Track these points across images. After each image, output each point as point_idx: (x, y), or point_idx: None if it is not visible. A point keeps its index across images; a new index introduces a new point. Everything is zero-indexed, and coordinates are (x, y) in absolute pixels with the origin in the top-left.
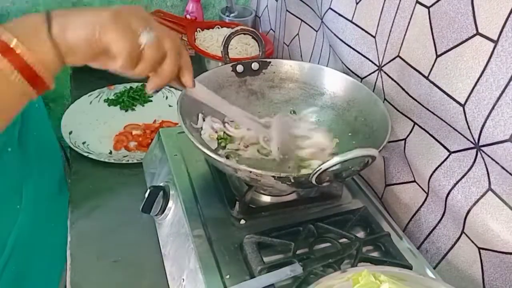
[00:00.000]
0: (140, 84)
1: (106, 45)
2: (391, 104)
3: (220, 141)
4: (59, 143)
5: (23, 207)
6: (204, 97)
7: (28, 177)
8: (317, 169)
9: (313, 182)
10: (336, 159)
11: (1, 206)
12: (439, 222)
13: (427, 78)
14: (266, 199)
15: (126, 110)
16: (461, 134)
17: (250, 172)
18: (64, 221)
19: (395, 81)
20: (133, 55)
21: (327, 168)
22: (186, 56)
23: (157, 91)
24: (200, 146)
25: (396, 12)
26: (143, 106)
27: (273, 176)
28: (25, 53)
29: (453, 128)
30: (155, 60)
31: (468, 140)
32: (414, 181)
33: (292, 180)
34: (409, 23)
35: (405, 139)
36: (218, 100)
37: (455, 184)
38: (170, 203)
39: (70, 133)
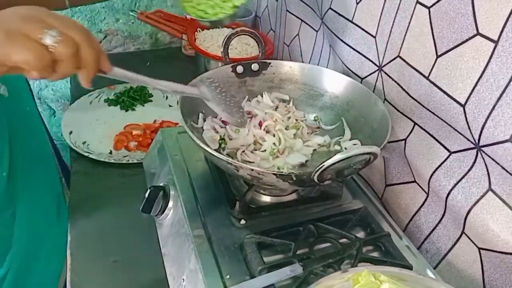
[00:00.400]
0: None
1: (13, 64)
2: (391, 104)
3: (220, 141)
4: (55, 157)
5: (18, 219)
6: (125, 76)
7: (20, 189)
8: (319, 166)
9: (315, 180)
10: (339, 156)
11: None
12: (439, 222)
13: (427, 78)
14: (266, 199)
15: (126, 110)
16: (461, 134)
17: (252, 170)
18: (61, 245)
19: (395, 81)
20: (44, 62)
21: (329, 166)
22: (95, 41)
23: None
24: (202, 145)
25: (397, 12)
26: (143, 106)
27: (275, 174)
28: None
29: (454, 128)
30: (70, 55)
31: (469, 140)
32: (414, 181)
33: (294, 178)
34: (409, 23)
35: (405, 139)
36: (141, 77)
37: (455, 184)
38: (170, 203)
39: (70, 133)
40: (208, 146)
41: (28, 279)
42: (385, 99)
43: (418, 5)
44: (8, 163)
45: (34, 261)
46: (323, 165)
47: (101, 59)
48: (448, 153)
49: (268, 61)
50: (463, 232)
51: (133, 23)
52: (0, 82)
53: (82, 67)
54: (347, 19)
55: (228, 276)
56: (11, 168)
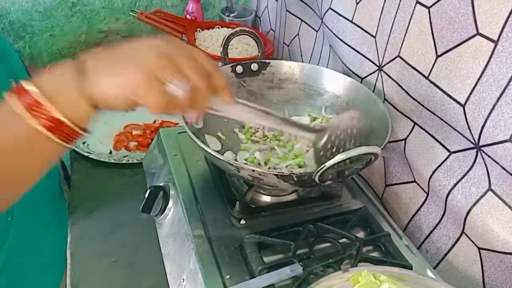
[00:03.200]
0: None
1: (140, 102)
2: (391, 104)
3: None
4: None
5: (15, 219)
6: (246, 116)
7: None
8: (321, 167)
9: (316, 180)
10: (340, 156)
11: None
12: (439, 222)
13: (427, 78)
14: (266, 199)
15: (126, 110)
16: (461, 134)
17: (253, 171)
18: (61, 232)
19: (395, 81)
20: (166, 106)
21: (330, 166)
22: (218, 74)
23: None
24: (202, 145)
25: (396, 12)
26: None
27: (276, 175)
28: (70, 123)
29: (453, 128)
30: (185, 105)
31: (468, 140)
32: (414, 181)
33: (295, 179)
34: (409, 23)
35: (405, 139)
36: (262, 116)
37: (455, 184)
38: (170, 203)
39: None
40: (208, 146)
41: (24, 282)
42: (385, 99)
43: (418, 5)
44: None
45: (31, 265)
46: (324, 166)
47: (221, 93)
48: (448, 153)
49: (268, 61)
50: (463, 232)
51: (133, 23)
52: (13, 78)
53: (193, 108)
54: (347, 19)
55: (228, 276)
56: None
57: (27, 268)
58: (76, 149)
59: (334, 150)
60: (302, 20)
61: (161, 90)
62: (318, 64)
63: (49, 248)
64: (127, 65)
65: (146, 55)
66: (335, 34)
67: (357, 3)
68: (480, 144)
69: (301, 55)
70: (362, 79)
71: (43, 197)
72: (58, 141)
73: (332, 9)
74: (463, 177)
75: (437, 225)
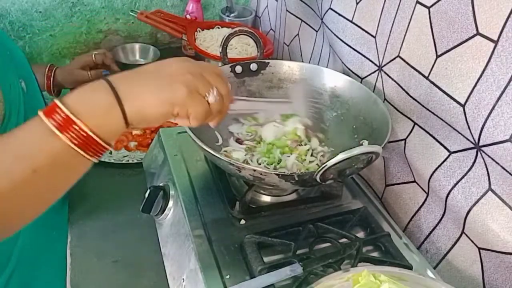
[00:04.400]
0: None
1: (185, 116)
2: (391, 104)
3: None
4: None
5: (20, 240)
6: (240, 108)
7: None
8: (322, 166)
9: (318, 179)
10: (341, 155)
11: None
12: (439, 222)
13: (427, 78)
14: (266, 199)
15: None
16: (461, 134)
17: (254, 170)
18: (67, 229)
19: (395, 81)
20: (206, 115)
21: (332, 165)
22: (227, 81)
23: None
24: (202, 145)
25: (396, 12)
26: None
27: (277, 174)
28: (101, 142)
29: (453, 128)
30: (219, 109)
31: (468, 140)
32: (414, 181)
33: (296, 178)
34: (409, 23)
35: (405, 139)
36: (249, 103)
37: (455, 184)
38: (170, 203)
39: None
40: (208, 146)
41: (36, 282)
42: (385, 99)
43: (418, 5)
44: None
45: (40, 265)
46: (325, 165)
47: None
48: (448, 153)
49: (267, 60)
50: (463, 232)
51: (133, 23)
52: (21, 77)
53: (221, 113)
54: (347, 19)
55: (228, 276)
56: None
57: (37, 269)
58: None
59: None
60: (302, 20)
61: (203, 102)
62: (318, 64)
63: (55, 246)
64: (168, 83)
65: (181, 72)
66: (335, 34)
67: (357, 3)
68: (480, 144)
69: (301, 55)
70: (362, 79)
71: None
72: (87, 156)
73: (332, 9)
74: (463, 177)
75: (437, 225)
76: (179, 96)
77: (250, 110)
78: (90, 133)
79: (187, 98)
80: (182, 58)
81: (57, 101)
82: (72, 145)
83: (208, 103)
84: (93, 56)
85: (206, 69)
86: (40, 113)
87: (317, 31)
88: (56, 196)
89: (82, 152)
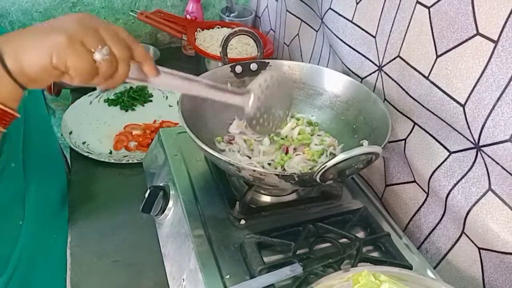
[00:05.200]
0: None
1: (64, 69)
2: (391, 104)
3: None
4: (61, 153)
5: (26, 222)
6: (173, 83)
7: (30, 191)
8: (322, 166)
9: (317, 180)
10: (341, 156)
11: (5, 222)
12: (439, 222)
13: (427, 78)
14: (266, 199)
15: (126, 110)
16: (461, 134)
17: (254, 171)
18: (67, 232)
19: (395, 81)
20: (90, 73)
21: (332, 166)
22: (139, 48)
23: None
24: (202, 145)
25: (397, 12)
26: (143, 106)
27: (277, 175)
28: None
29: (453, 128)
30: (109, 73)
31: (468, 140)
32: (414, 181)
33: (296, 179)
34: (409, 23)
35: (405, 139)
36: (188, 83)
37: (455, 184)
38: (170, 203)
39: (70, 133)
40: (208, 146)
41: (35, 282)
42: (385, 99)
43: (418, 5)
44: (22, 161)
45: (40, 265)
46: (325, 165)
47: (144, 65)
48: (448, 153)
49: (267, 60)
50: (463, 232)
51: (133, 23)
52: None
53: (111, 79)
54: (347, 19)
55: (228, 276)
56: (24, 166)
57: (37, 269)
58: (76, 149)
59: (263, 112)
60: (302, 20)
61: (87, 56)
62: (318, 64)
63: (54, 248)
64: (49, 31)
65: (69, 24)
66: (335, 34)
67: (357, 3)
68: (480, 144)
69: (301, 55)
70: (362, 79)
71: (52, 202)
72: None
73: (332, 9)
74: (463, 177)
75: (437, 225)
76: (57, 43)
77: (176, 89)
78: None
79: (66, 47)
80: (84, 13)
81: None
82: None
83: (95, 61)
84: None
85: (103, 25)
86: None
87: (317, 31)
88: None
89: None
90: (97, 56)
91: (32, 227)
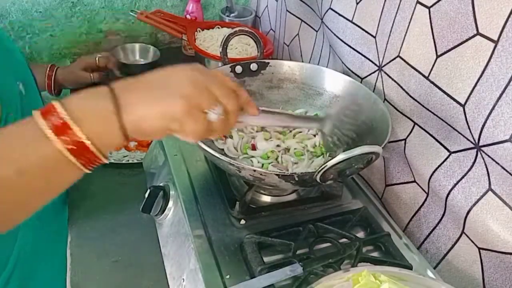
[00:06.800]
0: None
1: (180, 131)
2: (391, 104)
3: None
4: None
5: (25, 221)
6: (266, 121)
7: None
8: (322, 166)
9: (318, 180)
10: (342, 156)
11: None
12: (439, 222)
13: (427, 78)
14: (266, 199)
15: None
16: (461, 134)
17: (254, 171)
18: (67, 232)
19: (395, 81)
20: (205, 132)
21: (332, 166)
22: (244, 93)
23: None
24: (202, 145)
25: (397, 12)
26: None
27: (277, 175)
28: (96, 151)
29: (453, 128)
30: (223, 128)
31: (468, 140)
32: (414, 181)
33: (296, 179)
34: (409, 23)
35: (405, 139)
36: (277, 117)
37: (455, 184)
38: (170, 203)
39: None
40: (208, 146)
41: (35, 282)
42: (385, 99)
43: (418, 5)
44: None
45: (39, 265)
46: (325, 165)
47: (248, 109)
48: (448, 153)
49: (267, 61)
50: (463, 232)
51: (133, 23)
52: (19, 80)
53: (226, 130)
54: (347, 19)
55: (228, 276)
56: None
57: (37, 268)
58: None
59: (338, 138)
60: (302, 20)
61: (201, 118)
62: (318, 64)
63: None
64: (166, 96)
65: (183, 85)
66: (335, 34)
67: (357, 3)
68: (480, 144)
69: (301, 55)
70: (362, 79)
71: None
72: (79, 165)
73: (332, 9)
74: (463, 177)
75: (437, 225)
76: (176, 111)
77: (267, 125)
78: (85, 140)
79: (184, 114)
80: (191, 65)
81: (55, 103)
82: (65, 151)
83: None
84: (97, 59)
85: (214, 80)
86: (36, 113)
87: (317, 31)
88: (42, 201)
89: (73, 160)
90: (212, 117)
91: (32, 227)
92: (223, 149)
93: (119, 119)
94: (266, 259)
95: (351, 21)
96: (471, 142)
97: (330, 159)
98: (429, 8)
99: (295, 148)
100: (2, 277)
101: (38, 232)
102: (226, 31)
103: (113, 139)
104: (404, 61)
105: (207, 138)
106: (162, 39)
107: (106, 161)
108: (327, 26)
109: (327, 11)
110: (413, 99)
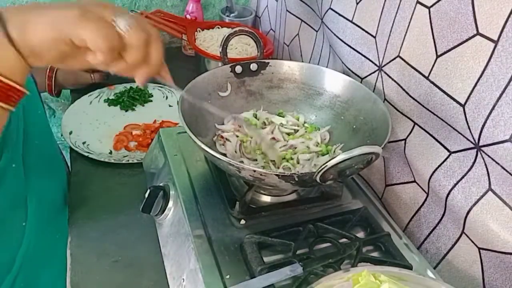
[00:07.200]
0: None
1: (80, 43)
2: (391, 104)
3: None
4: (61, 153)
5: (29, 223)
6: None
7: (31, 192)
8: (322, 166)
9: (317, 180)
10: (342, 156)
11: (9, 224)
12: (439, 222)
13: (427, 78)
14: (266, 199)
15: (126, 110)
16: (461, 134)
17: (254, 171)
18: (67, 232)
19: (395, 81)
20: (113, 43)
21: (332, 166)
22: (161, 42)
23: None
24: (202, 145)
25: (397, 12)
26: (143, 106)
27: (277, 175)
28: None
29: (453, 128)
30: (142, 42)
31: (468, 140)
32: (414, 181)
33: (296, 179)
34: (409, 23)
35: (405, 139)
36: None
37: (455, 184)
38: (170, 203)
39: (70, 133)
40: (208, 146)
41: (39, 284)
42: (385, 99)
43: (418, 5)
44: (21, 163)
45: (44, 267)
46: (325, 166)
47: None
48: (448, 153)
49: (267, 60)
50: (463, 232)
51: None
52: None
53: (147, 63)
54: (347, 19)
55: (228, 276)
56: (24, 167)
57: (40, 270)
58: (76, 149)
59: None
60: (302, 20)
61: (107, 26)
62: (318, 64)
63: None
64: (63, 7)
65: (83, 2)
66: (335, 34)
67: (357, 3)
68: (480, 144)
69: (301, 55)
70: (362, 79)
71: (54, 202)
72: None
73: (332, 9)
74: (463, 177)
75: (437, 225)
76: (69, 16)
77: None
78: None
79: (78, 17)
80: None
81: None
82: None
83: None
84: None
85: (121, 9)
86: None
87: (317, 31)
88: None
89: None
90: (120, 24)
91: (35, 228)
92: (225, 154)
93: (3, 30)
94: (266, 259)
95: (351, 21)
96: (471, 142)
97: (330, 159)
98: (429, 8)
99: (295, 147)
100: (7, 279)
101: (39, 233)
102: (226, 31)
103: (9, 59)
104: (404, 61)
105: (128, 73)
106: (162, 39)
107: (24, 91)
108: (327, 26)
109: (327, 11)
110: (413, 99)
